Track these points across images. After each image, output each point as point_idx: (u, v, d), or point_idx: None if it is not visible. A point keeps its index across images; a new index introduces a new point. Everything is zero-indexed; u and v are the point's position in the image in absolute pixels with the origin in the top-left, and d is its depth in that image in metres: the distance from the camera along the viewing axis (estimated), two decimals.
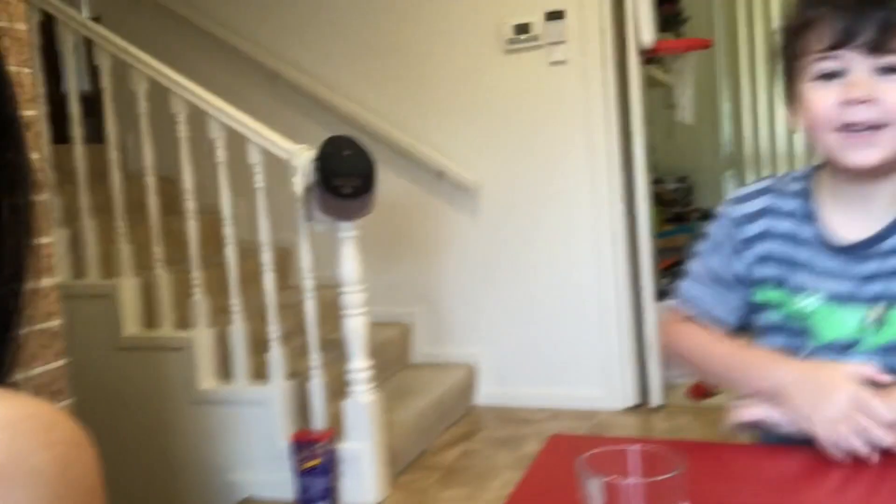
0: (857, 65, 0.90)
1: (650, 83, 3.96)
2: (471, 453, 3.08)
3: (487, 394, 3.71)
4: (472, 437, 3.27)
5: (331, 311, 2.95)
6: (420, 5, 3.71)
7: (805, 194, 1.03)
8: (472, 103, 3.67)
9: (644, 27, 3.40)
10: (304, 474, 2.59)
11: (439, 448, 3.16)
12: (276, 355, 2.75)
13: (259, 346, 2.81)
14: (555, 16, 3.48)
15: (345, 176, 2.60)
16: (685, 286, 1.10)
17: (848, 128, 0.92)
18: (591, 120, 3.49)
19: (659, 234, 3.84)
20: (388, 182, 3.57)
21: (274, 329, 2.75)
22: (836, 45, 0.90)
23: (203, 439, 2.85)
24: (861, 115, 0.90)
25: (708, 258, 1.08)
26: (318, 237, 2.76)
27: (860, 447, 0.85)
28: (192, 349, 2.84)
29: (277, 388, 2.75)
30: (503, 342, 3.70)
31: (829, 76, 0.93)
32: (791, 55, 0.97)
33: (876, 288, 0.96)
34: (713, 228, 1.08)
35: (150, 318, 2.95)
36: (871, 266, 0.96)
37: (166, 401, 2.87)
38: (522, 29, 3.54)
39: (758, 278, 1.03)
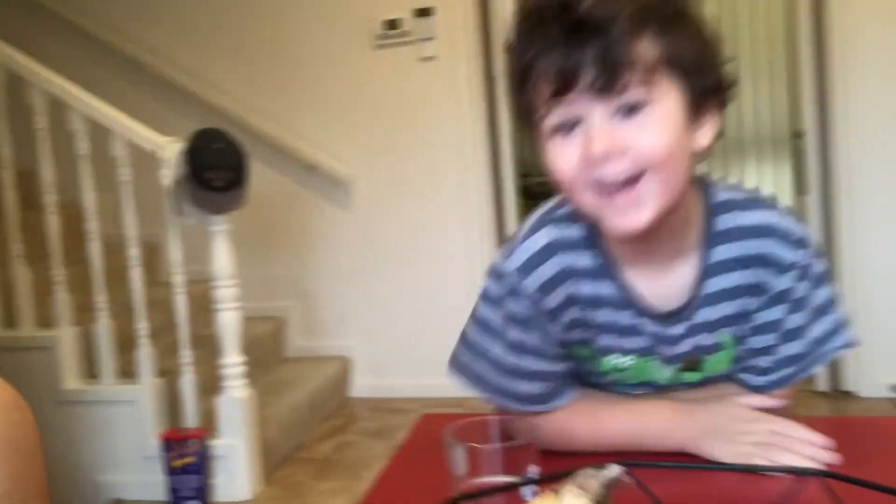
0: (592, 111, 0.76)
1: None
2: (345, 445, 3.11)
3: (362, 386, 3.74)
4: (347, 430, 3.29)
5: (203, 307, 2.91)
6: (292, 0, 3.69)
7: (592, 243, 0.89)
8: (344, 97, 3.68)
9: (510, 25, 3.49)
10: (176, 473, 2.56)
11: (314, 441, 3.17)
12: (145, 353, 2.69)
13: (128, 344, 2.74)
14: (424, 12, 3.54)
15: (216, 169, 2.57)
16: (508, 384, 0.93)
17: (602, 186, 0.78)
18: (460, 114, 3.57)
19: None
20: (261, 175, 3.54)
21: (142, 326, 2.69)
22: (561, 92, 0.76)
23: (70, 441, 2.76)
24: (611, 170, 0.77)
25: (513, 333, 0.91)
26: (189, 232, 2.71)
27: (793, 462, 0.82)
28: (56, 348, 2.74)
29: (146, 386, 2.70)
30: (377, 334, 3.74)
31: (567, 126, 0.78)
32: (520, 108, 0.82)
33: (684, 347, 0.92)
34: (507, 306, 0.90)
35: (10, 316, 2.83)
36: (679, 328, 0.91)
37: (29, 402, 2.74)
38: (392, 24, 3.57)
39: (567, 341, 0.93)
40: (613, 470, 0.44)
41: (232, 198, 2.63)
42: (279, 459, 2.95)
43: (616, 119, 0.76)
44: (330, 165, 3.65)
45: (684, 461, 0.85)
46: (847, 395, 3.24)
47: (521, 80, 0.79)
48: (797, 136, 3.56)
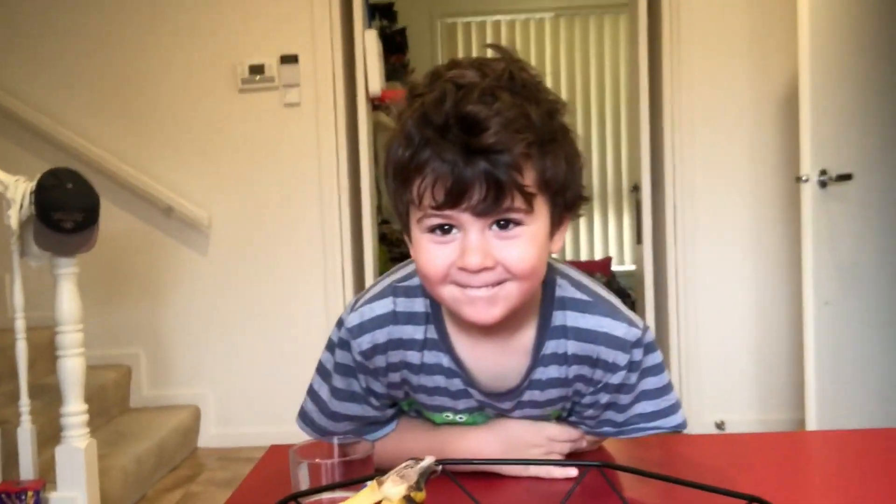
0: (471, 224, 0.81)
1: (381, 129, 4.17)
2: (191, 496, 3.02)
3: (212, 435, 3.65)
4: (194, 480, 3.20)
5: (45, 354, 2.79)
6: (153, 39, 3.64)
7: (433, 318, 0.93)
8: (204, 140, 3.66)
9: (372, 76, 3.60)
10: None
11: (159, 493, 3.07)
12: None
13: None
14: (289, 59, 3.59)
15: (66, 210, 2.49)
16: (330, 426, 0.99)
17: (466, 287, 0.84)
18: (323, 161, 3.62)
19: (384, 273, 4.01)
20: (114, 217, 3.46)
21: None
22: (448, 206, 0.79)
23: None
24: (479, 281, 0.82)
25: (339, 381, 0.96)
26: (31, 276, 2.61)
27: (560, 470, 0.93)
28: None
29: None
30: (229, 382, 3.67)
31: (443, 230, 0.82)
32: (399, 191, 0.85)
33: (514, 414, 0.99)
34: (338, 356, 0.96)
35: None
36: (507, 404, 0.97)
37: None
38: (257, 70, 3.60)
39: (395, 396, 0.99)
40: (427, 461, 0.50)
41: (81, 240, 2.55)
42: None
43: (489, 233, 0.81)
44: (186, 208, 3.60)
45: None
46: (676, 433, 3.44)
47: (407, 178, 0.82)
48: (636, 189, 3.82)
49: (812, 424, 2.79)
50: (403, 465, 0.49)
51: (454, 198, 0.79)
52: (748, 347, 3.50)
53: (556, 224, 0.86)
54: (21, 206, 2.48)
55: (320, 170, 3.62)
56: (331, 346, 0.97)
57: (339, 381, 0.96)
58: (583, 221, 6.15)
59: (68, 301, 2.54)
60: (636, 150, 3.71)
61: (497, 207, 0.79)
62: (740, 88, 3.46)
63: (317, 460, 0.73)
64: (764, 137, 3.45)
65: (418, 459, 0.49)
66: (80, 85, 3.68)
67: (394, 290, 0.94)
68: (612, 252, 6.36)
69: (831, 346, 2.89)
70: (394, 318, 0.93)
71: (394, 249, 4.80)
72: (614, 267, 6.10)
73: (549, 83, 0.87)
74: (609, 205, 6.34)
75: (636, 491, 0.88)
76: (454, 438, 0.97)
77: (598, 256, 6.28)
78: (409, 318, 0.93)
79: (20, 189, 2.49)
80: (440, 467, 0.50)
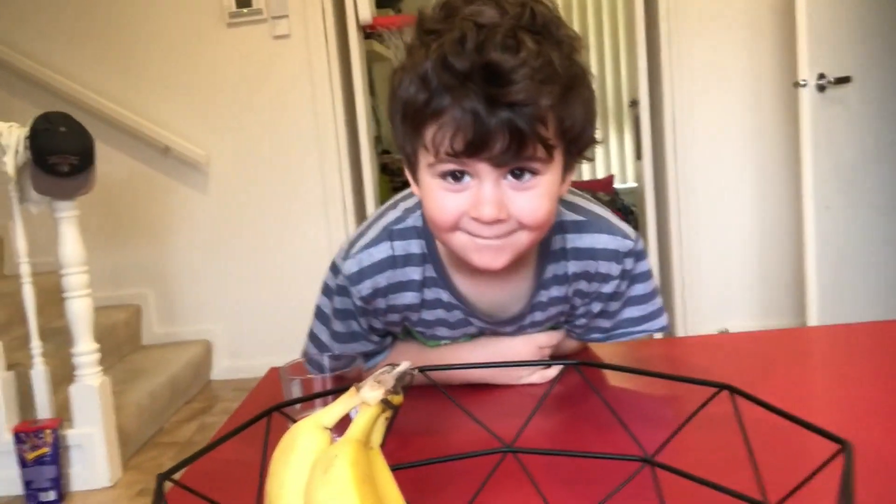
0: (487, 175, 0.79)
1: (374, 58, 4.12)
2: (207, 426, 3.10)
3: (224, 367, 3.73)
4: (209, 411, 3.28)
5: (54, 298, 2.82)
6: None
7: (430, 258, 0.94)
8: (196, 78, 3.62)
9: (362, 4, 3.53)
10: (31, 465, 2.49)
11: (175, 425, 3.14)
12: None
13: None
14: None
15: (61, 153, 2.50)
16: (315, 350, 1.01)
17: (475, 236, 0.83)
18: (317, 93, 3.58)
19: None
20: (112, 160, 3.46)
21: None
22: (467, 154, 0.77)
23: None
24: (490, 232, 0.82)
25: (338, 325, 0.98)
26: (35, 224, 2.63)
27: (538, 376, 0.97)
28: None
29: None
30: (237, 316, 3.72)
31: (456, 175, 0.80)
32: (409, 134, 0.82)
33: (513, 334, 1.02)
34: (336, 302, 0.97)
35: None
36: (509, 328, 1.00)
37: None
38: (244, 3, 3.54)
39: (392, 330, 1.02)
40: (404, 365, 0.51)
41: (78, 183, 2.56)
42: (139, 445, 2.91)
43: (504, 183, 0.80)
44: (183, 147, 3.59)
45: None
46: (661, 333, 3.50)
47: (421, 122, 0.79)
48: (634, 104, 3.78)
49: None
50: (380, 370, 0.50)
51: (474, 148, 0.76)
52: (749, 255, 3.52)
53: (568, 169, 0.86)
54: (16, 152, 2.49)
55: (315, 102, 3.59)
56: (328, 292, 0.98)
57: (338, 326, 0.98)
58: None
59: (71, 243, 2.56)
60: (634, 64, 3.66)
61: (517, 158, 0.77)
62: None
63: (308, 376, 0.75)
64: (761, 44, 3.39)
65: (395, 365, 0.51)
66: (69, 29, 3.63)
67: (390, 234, 0.94)
68: (615, 170, 6.34)
69: (832, 249, 2.90)
70: (392, 262, 0.93)
71: (395, 179, 4.78)
72: (617, 184, 6.08)
73: None
74: (610, 122, 6.29)
75: (615, 388, 0.93)
76: (445, 356, 1.00)
77: (600, 175, 6.26)
78: (407, 261, 0.94)
79: (14, 135, 2.49)
80: (416, 371, 0.51)
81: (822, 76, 2.80)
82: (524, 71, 0.74)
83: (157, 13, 3.60)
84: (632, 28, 3.63)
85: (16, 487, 2.52)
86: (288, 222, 3.66)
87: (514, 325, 0.99)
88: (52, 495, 2.51)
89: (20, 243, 2.58)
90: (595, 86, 0.88)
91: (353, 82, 3.61)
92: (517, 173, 0.80)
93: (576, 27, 6.13)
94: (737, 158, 3.47)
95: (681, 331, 3.52)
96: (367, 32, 3.74)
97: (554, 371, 0.97)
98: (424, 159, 0.82)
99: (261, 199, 3.67)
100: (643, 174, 3.63)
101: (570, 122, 0.80)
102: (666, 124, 3.47)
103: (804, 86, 2.78)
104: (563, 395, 0.90)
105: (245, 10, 3.55)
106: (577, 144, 0.84)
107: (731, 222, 3.51)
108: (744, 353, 1.03)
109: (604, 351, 1.09)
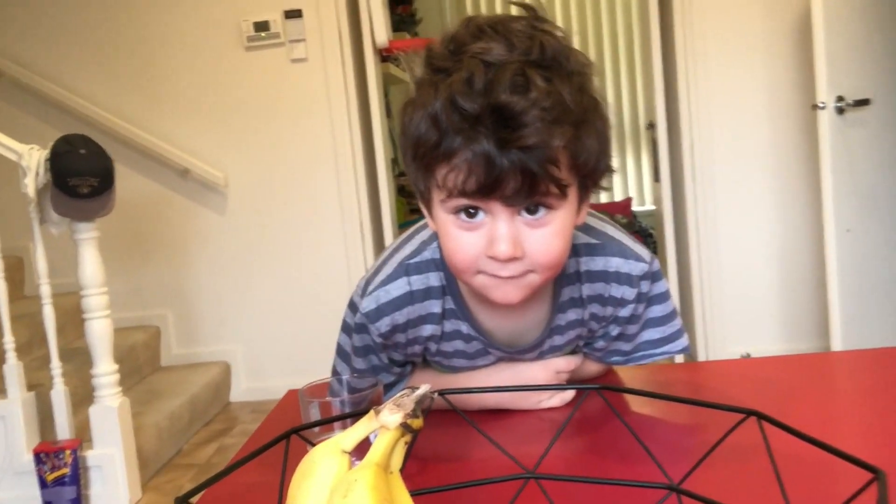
0: (500, 212, 0.78)
1: (391, 80, 4.14)
2: (226, 448, 3.09)
3: (243, 389, 3.73)
4: (228, 433, 3.28)
5: (74, 319, 2.84)
6: (157, 1, 3.63)
7: (450, 290, 0.94)
8: (215, 101, 3.66)
9: (378, 28, 3.56)
10: (51, 486, 2.49)
11: (194, 447, 3.14)
12: (13, 367, 2.61)
13: None
14: (293, 14, 3.56)
15: (81, 175, 2.52)
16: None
17: (493, 275, 0.83)
18: (334, 115, 3.61)
19: (403, 224, 4.02)
20: (131, 182, 3.49)
21: (8, 340, 2.60)
22: (480, 195, 0.77)
23: None
24: (507, 271, 0.81)
25: (359, 362, 0.98)
26: (55, 245, 2.65)
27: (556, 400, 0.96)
28: None
29: (16, 400, 2.61)
30: (256, 337, 3.73)
31: (470, 212, 0.80)
32: (421, 171, 0.82)
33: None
34: (356, 339, 0.97)
35: None
36: (529, 356, 0.99)
37: None
38: (262, 27, 3.58)
39: (412, 360, 1.02)
40: (423, 388, 0.50)
41: (98, 204, 2.58)
42: (158, 467, 2.91)
43: (518, 219, 0.79)
44: (202, 169, 3.62)
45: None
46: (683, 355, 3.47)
47: (432, 162, 0.78)
48: (651, 126, 3.78)
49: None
50: (400, 394, 0.50)
51: (487, 190, 0.76)
52: (771, 278, 3.49)
53: (583, 200, 0.85)
54: (37, 174, 2.51)
55: (332, 124, 3.61)
56: (347, 329, 0.98)
57: (359, 363, 0.98)
58: None
59: (91, 265, 2.58)
60: (650, 85, 3.66)
61: (530, 197, 0.77)
62: (753, 16, 3.39)
63: (327, 399, 0.75)
64: (779, 66, 3.38)
65: (415, 388, 0.50)
66: (90, 53, 3.68)
67: (406, 269, 0.93)
68: (633, 192, 6.32)
69: (854, 273, 2.87)
70: (410, 297, 0.93)
71: (412, 201, 4.79)
72: (635, 207, 6.07)
73: (558, 19, 0.82)
74: (627, 144, 6.27)
75: (637, 414, 0.91)
76: (463, 381, 0.99)
77: (618, 198, 6.25)
78: (426, 295, 0.93)
79: (35, 157, 2.52)
80: (435, 395, 0.51)
81: (840, 98, 2.79)
82: (535, 112, 0.73)
83: (176, 37, 3.64)
84: (648, 50, 3.63)
85: None
86: (306, 244, 3.67)
87: (533, 351, 0.98)
88: None
89: (41, 264, 2.60)
90: (611, 109, 0.87)
91: (369, 105, 3.63)
92: (532, 209, 0.79)
93: (591, 50, 6.16)
94: (756, 181, 3.46)
95: (702, 355, 3.49)
96: (384, 56, 3.77)
97: (572, 394, 0.96)
98: (437, 196, 0.81)
99: (279, 221, 3.68)
100: (661, 197, 3.61)
101: (583, 158, 0.79)
102: (684, 147, 3.46)
103: (823, 108, 2.77)
104: (584, 421, 0.89)
105: (263, 34, 3.59)
106: (592, 177, 0.83)
107: (751, 245, 3.48)
108: (768, 378, 1.02)
109: (625, 375, 1.08)
